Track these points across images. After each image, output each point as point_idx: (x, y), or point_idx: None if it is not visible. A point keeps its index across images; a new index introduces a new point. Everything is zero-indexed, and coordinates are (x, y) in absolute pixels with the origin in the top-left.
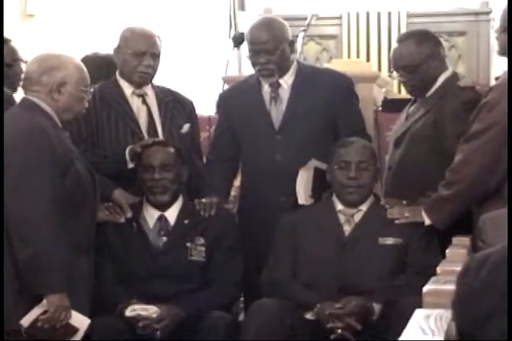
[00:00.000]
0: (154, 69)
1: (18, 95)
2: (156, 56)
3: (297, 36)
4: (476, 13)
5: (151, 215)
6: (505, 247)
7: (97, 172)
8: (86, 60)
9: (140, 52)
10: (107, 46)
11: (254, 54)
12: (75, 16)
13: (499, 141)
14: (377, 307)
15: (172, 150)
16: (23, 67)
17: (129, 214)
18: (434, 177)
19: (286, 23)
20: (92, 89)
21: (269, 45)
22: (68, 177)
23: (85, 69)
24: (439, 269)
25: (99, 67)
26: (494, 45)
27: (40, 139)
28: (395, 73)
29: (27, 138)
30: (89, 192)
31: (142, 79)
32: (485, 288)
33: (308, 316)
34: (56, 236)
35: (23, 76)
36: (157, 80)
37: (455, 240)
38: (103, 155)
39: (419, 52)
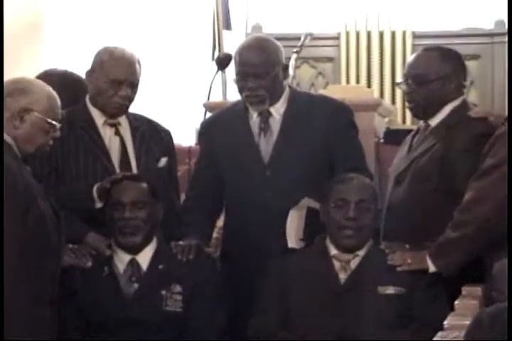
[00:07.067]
0: (131, 100)
1: None
2: (134, 85)
3: (289, 58)
4: (491, 35)
5: (121, 259)
6: None
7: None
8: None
9: (117, 80)
10: (82, 67)
11: (243, 77)
12: (38, 33)
13: None
14: None
15: (145, 185)
16: None
17: (108, 252)
18: (441, 219)
19: (280, 44)
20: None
21: (261, 68)
22: (29, 218)
23: (58, 101)
24: (446, 323)
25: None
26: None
27: None
28: (402, 81)
29: None
30: (53, 235)
31: (117, 111)
32: None
33: None
34: (15, 284)
35: None
36: (132, 107)
37: (465, 290)
38: (68, 192)
39: (439, 68)
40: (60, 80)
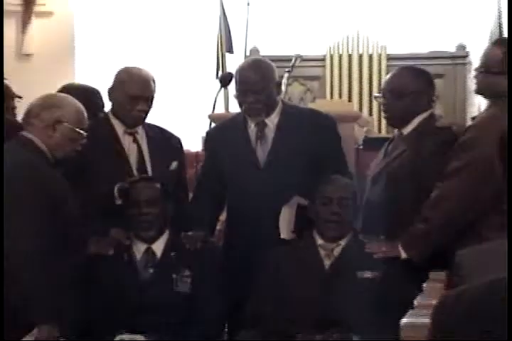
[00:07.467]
0: (147, 112)
1: None
2: (150, 99)
3: (282, 77)
4: (453, 57)
5: (138, 248)
6: (484, 285)
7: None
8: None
9: (135, 96)
10: (101, 84)
11: (243, 93)
12: (69, 55)
13: (475, 180)
14: (356, 339)
15: (158, 186)
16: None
17: (127, 242)
18: (411, 214)
19: (273, 64)
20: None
21: (258, 85)
22: (60, 213)
23: (85, 113)
24: (416, 303)
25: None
26: (471, 85)
27: (29, 177)
28: (380, 95)
29: (16, 177)
30: (80, 228)
31: (135, 122)
32: (462, 325)
33: None
34: (42, 273)
35: (25, 111)
36: (148, 118)
37: (432, 274)
38: (94, 191)
39: (413, 84)
40: (72, 91)
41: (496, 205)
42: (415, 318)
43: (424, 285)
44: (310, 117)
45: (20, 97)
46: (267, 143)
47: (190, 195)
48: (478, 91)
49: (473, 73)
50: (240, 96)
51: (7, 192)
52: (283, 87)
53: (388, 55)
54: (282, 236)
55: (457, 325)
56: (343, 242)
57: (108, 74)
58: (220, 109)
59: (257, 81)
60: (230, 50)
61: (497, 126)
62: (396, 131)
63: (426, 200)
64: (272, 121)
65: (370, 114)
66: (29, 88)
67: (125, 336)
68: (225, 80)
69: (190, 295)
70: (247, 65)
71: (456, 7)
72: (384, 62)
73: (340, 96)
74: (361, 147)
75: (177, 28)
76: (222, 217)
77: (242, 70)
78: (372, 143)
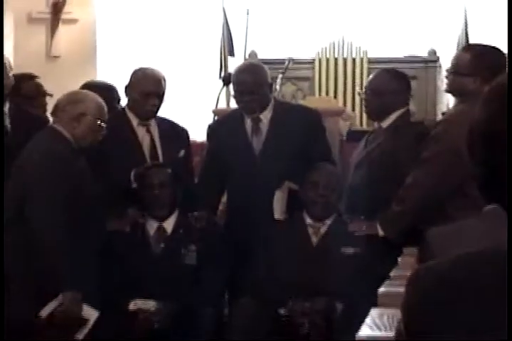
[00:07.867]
0: (158, 107)
1: None
2: (161, 96)
3: (276, 78)
4: (425, 61)
5: (151, 226)
6: (451, 259)
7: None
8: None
9: (148, 93)
10: (119, 82)
11: (239, 94)
12: (91, 57)
13: (444, 168)
14: (339, 306)
15: (169, 171)
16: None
17: (142, 220)
18: (389, 197)
19: (266, 67)
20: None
21: (252, 86)
22: (82, 196)
23: (106, 107)
24: (392, 274)
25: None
26: (441, 86)
27: (56, 163)
28: (363, 92)
29: (45, 162)
30: (99, 207)
31: (148, 115)
32: (431, 293)
33: (282, 311)
34: (68, 246)
35: (54, 105)
36: (159, 112)
37: (405, 250)
38: (112, 176)
39: (389, 84)
40: (92, 88)
41: (463, 190)
42: (391, 288)
43: (399, 259)
44: (299, 112)
45: (50, 95)
46: (261, 136)
47: (196, 180)
48: (449, 90)
49: (443, 74)
50: (237, 96)
51: (36, 175)
52: (277, 87)
53: (369, 58)
54: (276, 216)
55: (427, 294)
56: (328, 221)
57: (125, 73)
58: (222, 105)
59: (251, 83)
60: (232, 53)
61: (465, 120)
62: (376, 124)
63: (401, 185)
64: (266, 116)
65: (353, 109)
66: (57, 86)
67: (138, 301)
68: (227, 80)
69: (195, 267)
70: (243, 68)
71: (428, 17)
72: (365, 65)
73: (326, 93)
74: (345, 138)
75: (186, 34)
76: (224, 198)
77: (238, 73)
78: (354, 135)
